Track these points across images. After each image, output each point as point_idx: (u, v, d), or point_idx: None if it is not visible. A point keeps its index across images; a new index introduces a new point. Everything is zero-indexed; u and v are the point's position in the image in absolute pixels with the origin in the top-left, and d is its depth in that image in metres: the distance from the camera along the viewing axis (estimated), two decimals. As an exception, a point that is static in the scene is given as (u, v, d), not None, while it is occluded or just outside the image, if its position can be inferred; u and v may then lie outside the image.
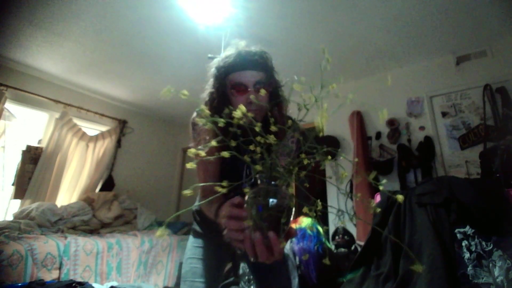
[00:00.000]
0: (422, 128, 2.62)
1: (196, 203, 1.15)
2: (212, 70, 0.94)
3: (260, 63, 0.89)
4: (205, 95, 0.95)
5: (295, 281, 2.06)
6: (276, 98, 0.93)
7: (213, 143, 0.59)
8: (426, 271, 1.18)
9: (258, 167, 0.54)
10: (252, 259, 0.53)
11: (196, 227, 1.13)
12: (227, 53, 0.91)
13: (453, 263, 1.20)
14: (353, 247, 2.39)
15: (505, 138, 1.88)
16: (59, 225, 2.54)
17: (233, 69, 0.88)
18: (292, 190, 0.56)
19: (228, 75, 0.89)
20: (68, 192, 3.11)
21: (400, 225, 1.44)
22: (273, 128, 0.60)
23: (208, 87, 0.95)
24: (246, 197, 0.54)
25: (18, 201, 2.76)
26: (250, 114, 0.56)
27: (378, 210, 0.52)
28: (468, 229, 1.26)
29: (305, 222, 2.36)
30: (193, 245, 1.08)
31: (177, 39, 2.38)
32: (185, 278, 1.01)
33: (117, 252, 2.48)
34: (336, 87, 0.55)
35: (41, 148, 2.94)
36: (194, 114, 0.99)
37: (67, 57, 2.71)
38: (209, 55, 2.03)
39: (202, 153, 0.54)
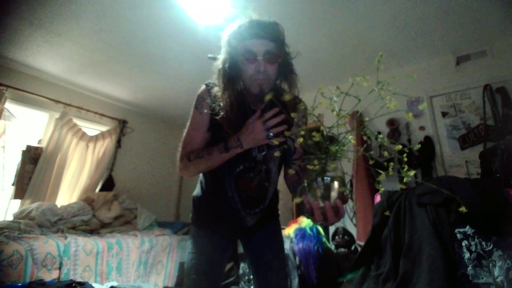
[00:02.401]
0: (422, 128, 2.62)
1: (196, 190, 1.14)
2: (226, 38, 0.96)
3: (271, 33, 0.90)
4: (219, 62, 0.97)
5: (295, 281, 2.06)
6: (285, 70, 0.95)
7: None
8: (426, 271, 1.18)
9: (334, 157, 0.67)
10: (322, 223, 0.67)
11: (195, 215, 1.11)
12: (240, 21, 0.93)
13: (453, 263, 1.20)
14: (353, 247, 2.39)
15: (505, 138, 1.88)
16: (59, 225, 2.53)
17: (244, 37, 0.90)
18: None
19: (239, 43, 0.90)
20: (68, 192, 3.11)
21: (400, 225, 1.44)
22: (287, 97, 0.73)
23: (222, 55, 0.97)
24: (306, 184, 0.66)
25: (18, 201, 2.75)
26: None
27: (391, 172, 0.58)
28: (468, 229, 1.26)
29: (305, 222, 2.36)
30: (193, 238, 1.07)
31: (177, 39, 2.38)
32: (188, 274, 1.01)
33: (117, 252, 2.47)
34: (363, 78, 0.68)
35: (41, 148, 2.94)
36: (203, 86, 1.02)
37: (67, 57, 2.71)
38: (209, 55, 2.03)
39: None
